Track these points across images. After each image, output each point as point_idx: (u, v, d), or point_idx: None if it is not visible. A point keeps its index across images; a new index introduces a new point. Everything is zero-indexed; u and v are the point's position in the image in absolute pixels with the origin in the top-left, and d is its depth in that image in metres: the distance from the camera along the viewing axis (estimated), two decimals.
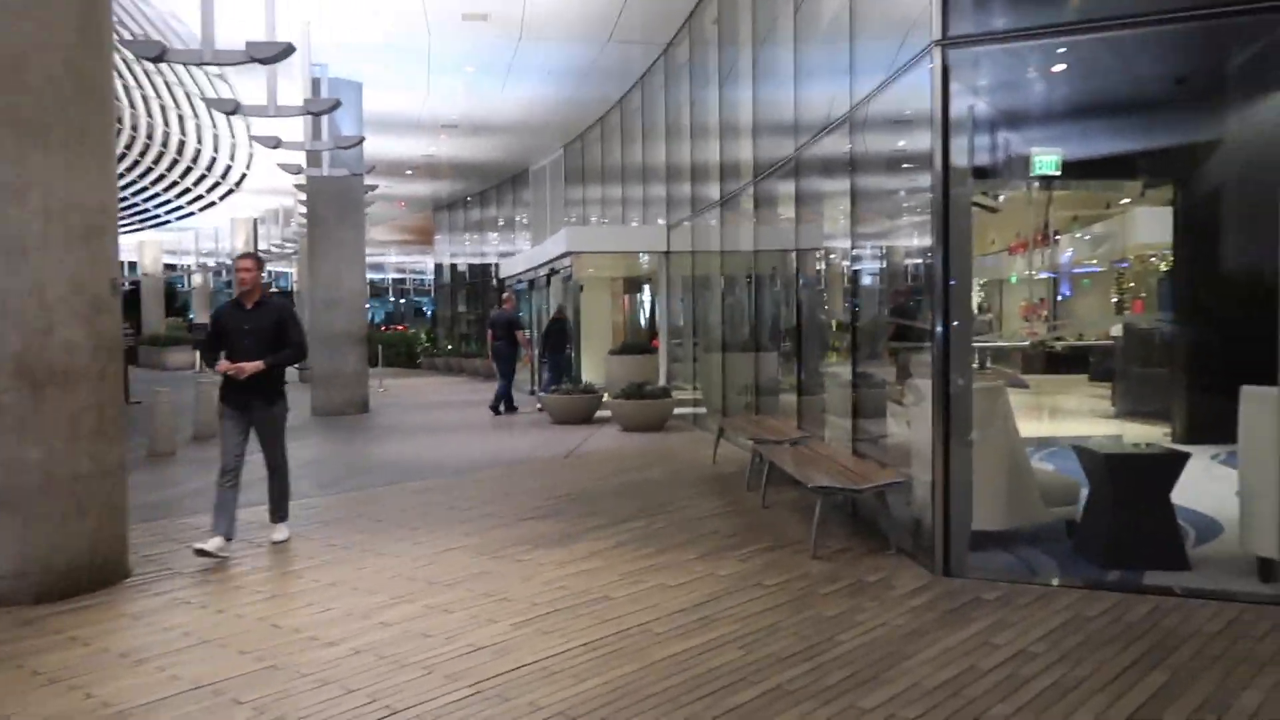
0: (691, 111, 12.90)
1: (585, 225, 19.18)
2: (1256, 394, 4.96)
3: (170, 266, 43.68)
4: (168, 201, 28.81)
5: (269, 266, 43.16)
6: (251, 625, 4.61)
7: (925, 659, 3.95)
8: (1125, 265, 14.21)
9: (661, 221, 14.62)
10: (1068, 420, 11.12)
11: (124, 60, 16.05)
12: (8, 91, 4.92)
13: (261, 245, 34.46)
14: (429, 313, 47.87)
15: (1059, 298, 16.14)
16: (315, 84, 12.54)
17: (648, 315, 18.41)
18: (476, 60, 14.33)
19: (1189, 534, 5.69)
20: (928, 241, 5.42)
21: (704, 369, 13.20)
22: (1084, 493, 5.73)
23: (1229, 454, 7.57)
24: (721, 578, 5.23)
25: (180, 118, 19.89)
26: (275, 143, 12.60)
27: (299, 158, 14.85)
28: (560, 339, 15.46)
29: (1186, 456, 5.42)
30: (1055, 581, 5.07)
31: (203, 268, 40.67)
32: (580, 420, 13.14)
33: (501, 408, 14.82)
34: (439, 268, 34.98)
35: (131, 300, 38.87)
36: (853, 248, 7.79)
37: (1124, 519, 5.26)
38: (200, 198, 27.78)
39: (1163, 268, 12.62)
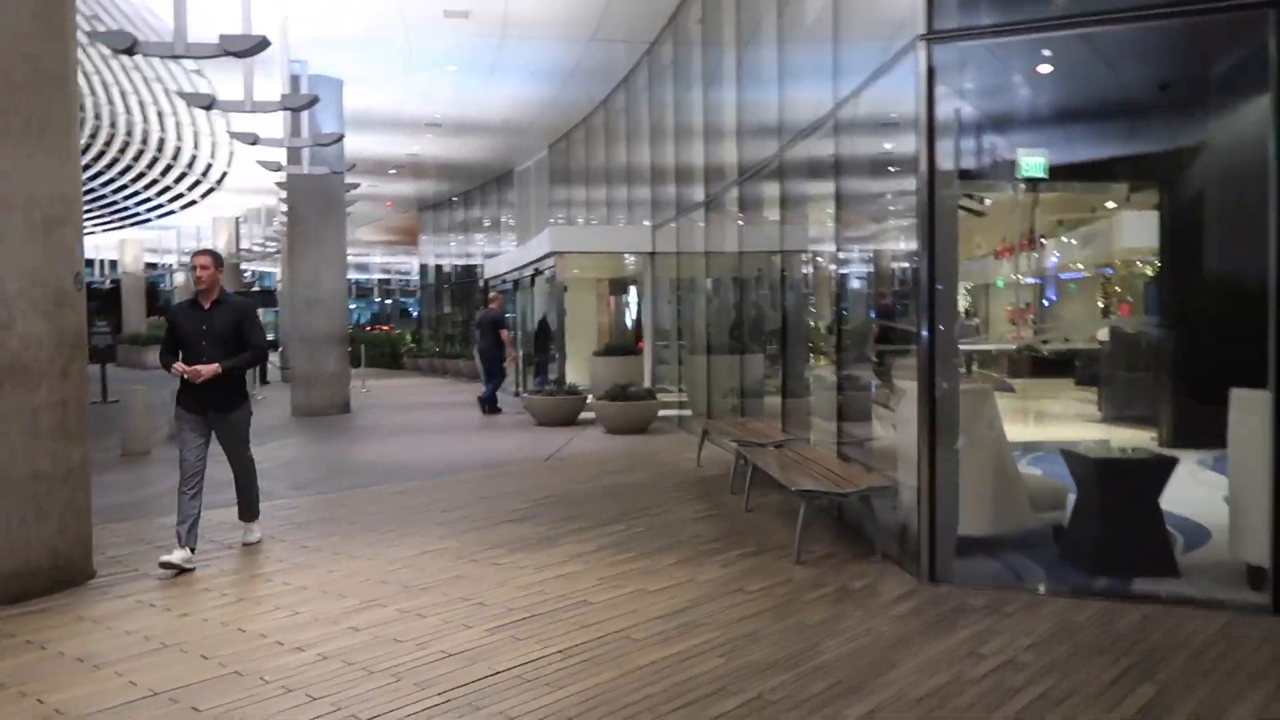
0: (676, 112, 12.80)
1: (571, 225, 19.05)
2: (1246, 398, 4.88)
3: (152, 265, 43.21)
4: (148, 199, 28.47)
5: (252, 265, 42.85)
6: (216, 630, 4.45)
7: (910, 668, 3.84)
8: (1110, 271, 14.20)
9: (647, 223, 14.51)
10: (1054, 424, 11.07)
11: (102, 55, 15.81)
12: None
13: (244, 244, 34.17)
14: (414, 314, 47.60)
15: (1044, 302, 16.12)
16: (294, 80, 12.35)
17: (633, 316, 18.30)
18: (459, 58, 14.18)
19: (1177, 540, 5.61)
20: (913, 244, 5.33)
21: (689, 371, 13.09)
22: (1071, 498, 5.64)
23: (1216, 459, 7.52)
24: (703, 583, 5.11)
25: (160, 114, 19.62)
26: (253, 139, 12.40)
27: (279, 155, 14.65)
28: (543, 340, 15.39)
29: (1175, 462, 5.34)
30: (1042, 588, 4.98)
31: (185, 266, 40.25)
32: (564, 422, 13.00)
33: (487, 407, 14.76)
34: (424, 268, 34.76)
35: (112, 299, 38.46)
36: (838, 250, 7.70)
37: (1112, 525, 5.18)
38: (181, 196, 27.47)
39: (1149, 272, 12.61)
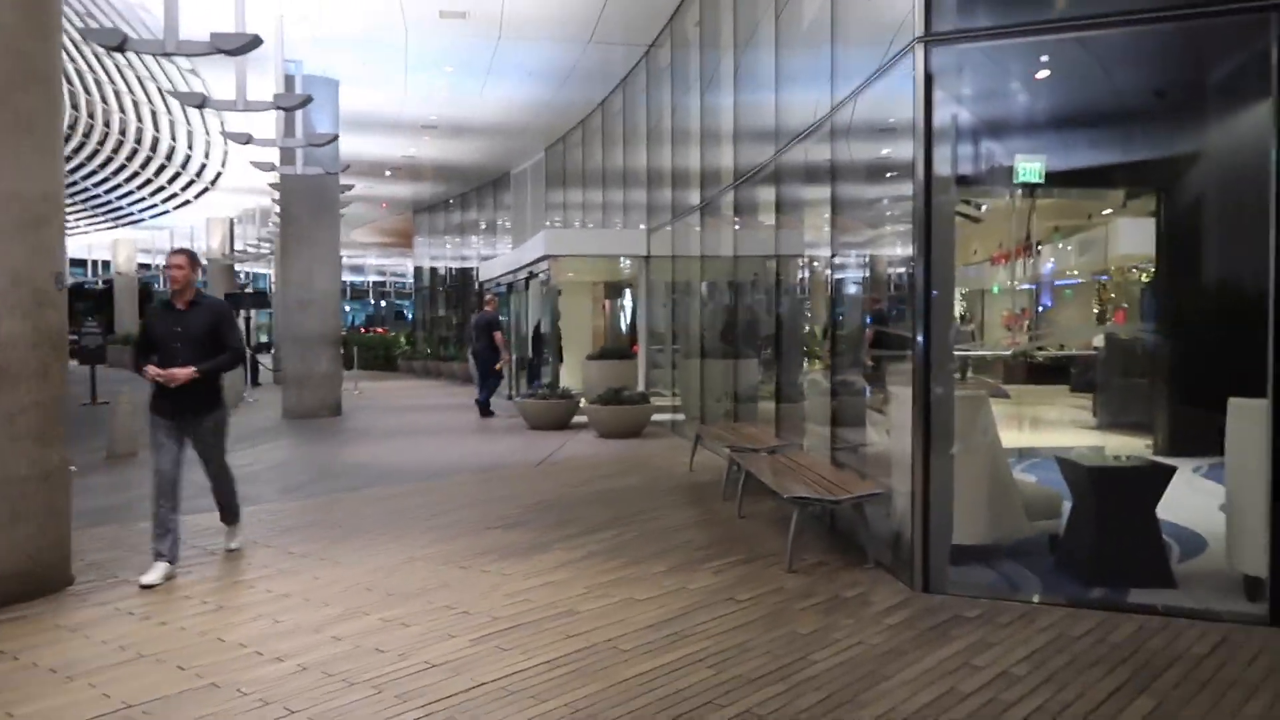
0: (673, 115, 12.74)
1: (565, 228, 18.98)
2: (1244, 407, 4.81)
3: (145, 265, 43.02)
4: (142, 199, 28.36)
5: (245, 266, 42.69)
6: (194, 639, 4.36)
7: (903, 681, 3.76)
8: (1105, 278, 14.16)
9: (642, 226, 14.44)
10: (1049, 431, 11.02)
11: (96, 53, 15.73)
12: None
13: (238, 245, 34.02)
14: (410, 316, 47.50)
15: (1039, 308, 16.09)
16: (289, 80, 12.27)
17: (628, 320, 18.23)
18: (455, 59, 14.11)
19: (1173, 549, 5.54)
20: (909, 250, 5.26)
21: (683, 375, 13.02)
22: (1067, 505, 5.57)
23: (1211, 466, 7.46)
24: (693, 591, 5.02)
25: (154, 113, 19.55)
26: (246, 139, 12.31)
27: (272, 155, 14.56)
28: (539, 344, 15.38)
29: (1172, 470, 5.27)
30: (1037, 598, 4.90)
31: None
32: (556, 426, 12.91)
33: (482, 410, 14.70)
34: (419, 271, 34.65)
35: (105, 299, 38.28)
36: (833, 255, 7.63)
37: (1108, 534, 5.11)
38: (175, 195, 27.37)
39: (1143, 279, 12.56)
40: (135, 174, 24.82)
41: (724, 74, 10.48)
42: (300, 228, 14.81)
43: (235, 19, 8.94)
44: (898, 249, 7.27)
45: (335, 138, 13.29)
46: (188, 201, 28.20)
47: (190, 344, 5.39)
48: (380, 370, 28.93)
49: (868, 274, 8.35)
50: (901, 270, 6.81)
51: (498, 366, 15.09)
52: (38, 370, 4.98)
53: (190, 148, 21.89)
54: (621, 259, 15.45)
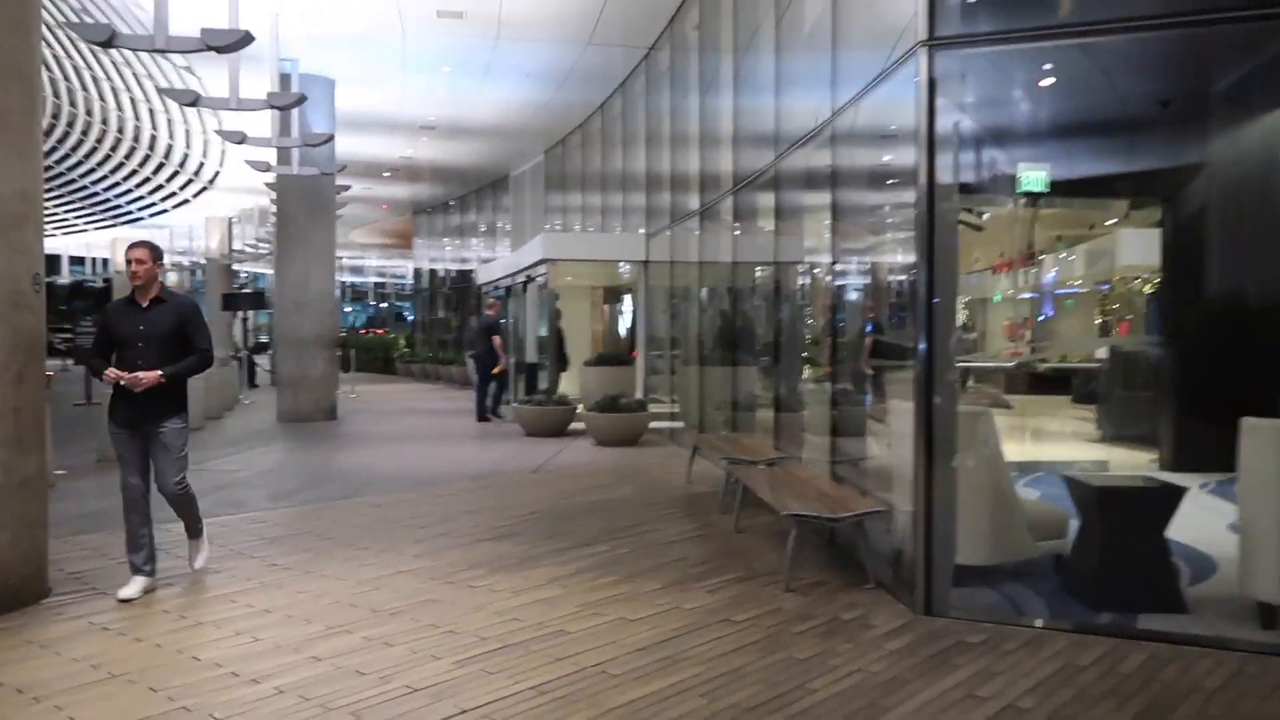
0: (672, 118, 12.60)
1: (563, 232, 18.84)
2: (1258, 426, 4.66)
3: None
4: (140, 197, 28.22)
5: (244, 267, 42.52)
6: (169, 657, 4.20)
7: (904, 713, 3.61)
8: (1107, 288, 14.00)
9: (642, 231, 14.29)
10: (1052, 443, 10.86)
11: (91, 49, 15.60)
12: None
13: (237, 245, 33.84)
14: (410, 318, 47.34)
15: (1040, 318, 15.93)
16: (284, 79, 12.13)
17: (627, 325, 18.07)
18: (453, 59, 13.97)
19: (1182, 572, 5.38)
20: (911, 258, 5.11)
21: (682, 382, 12.87)
22: (1073, 524, 5.41)
23: (1218, 483, 7.31)
24: (687, 611, 4.87)
25: (151, 111, 19.41)
26: (240, 138, 12.17)
27: (268, 155, 14.42)
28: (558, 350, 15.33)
29: (1183, 491, 5.11)
30: (1041, 623, 4.74)
31: (176, 266, 39.92)
32: (553, 433, 12.76)
33: (479, 415, 14.58)
34: (418, 273, 34.49)
35: (104, 297, 38.09)
36: (834, 262, 7.48)
37: (1116, 556, 4.95)
38: (174, 194, 27.23)
39: (1146, 290, 12.40)
40: (134, 171, 24.69)
41: (724, 78, 10.34)
42: (296, 228, 14.67)
43: (229, 16, 8.81)
44: (899, 256, 7.13)
45: (331, 138, 13.14)
46: (186, 200, 28.07)
47: (154, 345, 5.01)
48: (379, 373, 28.77)
49: (869, 281, 8.20)
50: (903, 278, 6.66)
51: (496, 370, 14.95)
52: (13, 375, 4.82)
53: (188, 146, 21.76)
54: (620, 264, 15.30)
